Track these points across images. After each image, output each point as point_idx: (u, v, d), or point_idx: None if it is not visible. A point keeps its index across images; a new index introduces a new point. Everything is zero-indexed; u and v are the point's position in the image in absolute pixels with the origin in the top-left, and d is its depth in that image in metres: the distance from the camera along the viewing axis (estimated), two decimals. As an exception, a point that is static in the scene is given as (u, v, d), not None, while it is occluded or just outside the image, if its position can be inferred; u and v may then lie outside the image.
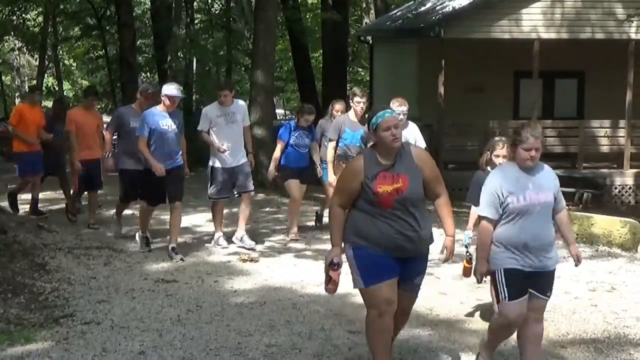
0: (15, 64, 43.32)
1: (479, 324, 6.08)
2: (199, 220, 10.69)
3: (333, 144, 8.73)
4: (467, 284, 7.23)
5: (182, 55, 23.77)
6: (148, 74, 27.55)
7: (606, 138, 16.71)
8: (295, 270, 7.87)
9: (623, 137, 16.40)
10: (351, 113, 8.84)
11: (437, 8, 17.86)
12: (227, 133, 8.74)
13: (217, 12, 28.15)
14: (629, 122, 16.19)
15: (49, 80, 40.03)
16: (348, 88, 23.57)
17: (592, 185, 15.58)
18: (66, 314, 6.12)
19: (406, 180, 4.52)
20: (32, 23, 31.34)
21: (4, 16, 27.21)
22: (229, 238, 9.01)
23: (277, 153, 9.44)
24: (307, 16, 23.26)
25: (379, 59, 21.33)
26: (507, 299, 4.65)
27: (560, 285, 6.35)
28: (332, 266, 4.64)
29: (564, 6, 16.20)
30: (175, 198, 8.33)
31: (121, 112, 9.56)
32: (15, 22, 28.29)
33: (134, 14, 24.08)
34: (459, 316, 6.33)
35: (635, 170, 16.33)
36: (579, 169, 16.17)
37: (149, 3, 26.02)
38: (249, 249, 8.76)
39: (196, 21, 28.11)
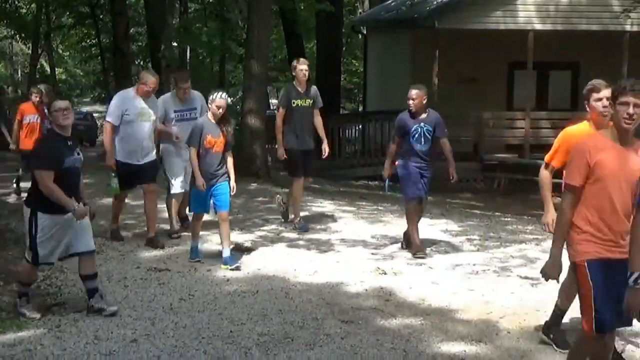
0: (8, 52, 43.14)
1: (471, 314, 6.10)
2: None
3: None
4: (459, 274, 7.26)
5: (175, 44, 23.70)
6: (141, 62, 27.47)
7: (600, 129, 16.73)
8: (288, 260, 7.86)
9: (616, 128, 16.42)
10: None
11: (432, -2, 17.85)
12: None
13: (210, 1, 28.02)
14: (623, 114, 16.22)
15: (46, 70, 39.84)
16: (342, 79, 23.49)
17: None
18: (58, 302, 6.13)
19: None
20: (25, 11, 31.18)
21: (-2, 4, 27.11)
22: None
23: None
24: (301, 6, 23.21)
25: (373, 50, 21.34)
26: None
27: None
28: None
29: (559, -3, 16.22)
30: None
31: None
32: (7, 10, 28.16)
33: (127, 2, 23.99)
34: (451, 306, 6.33)
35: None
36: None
37: (143, -9, 25.87)
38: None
39: (190, 10, 28.01)
